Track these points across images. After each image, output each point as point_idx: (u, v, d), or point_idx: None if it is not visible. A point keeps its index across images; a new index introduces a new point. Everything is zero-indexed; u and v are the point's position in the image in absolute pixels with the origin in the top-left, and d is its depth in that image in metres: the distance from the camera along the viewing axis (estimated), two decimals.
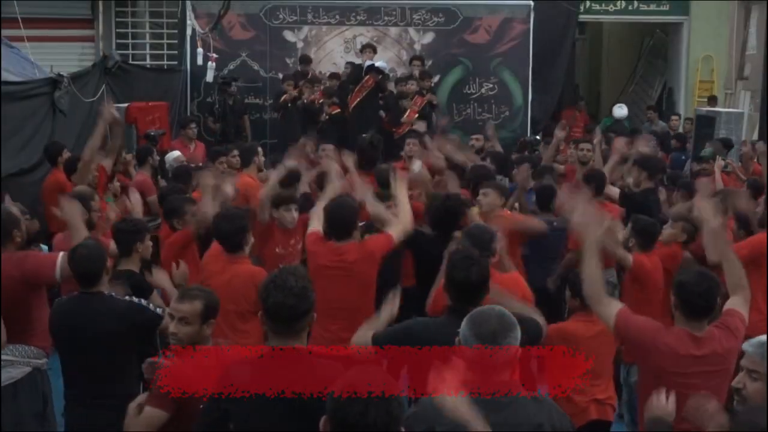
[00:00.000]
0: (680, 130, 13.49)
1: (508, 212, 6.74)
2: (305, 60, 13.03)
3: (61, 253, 4.92)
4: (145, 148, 9.25)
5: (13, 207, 5.60)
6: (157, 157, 9.19)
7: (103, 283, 4.48)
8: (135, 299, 4.50)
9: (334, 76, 12.96)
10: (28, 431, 4.94)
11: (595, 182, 7.31)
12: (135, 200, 6.90)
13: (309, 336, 3.70)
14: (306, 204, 6.61)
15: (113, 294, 4.49)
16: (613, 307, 4.08)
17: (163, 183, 9.00)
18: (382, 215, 5.78)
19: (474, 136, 10.57)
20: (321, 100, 12.23)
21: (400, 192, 5.87)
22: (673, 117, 14.06)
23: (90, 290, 4.44)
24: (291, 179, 7.19)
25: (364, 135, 10.22)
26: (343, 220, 5.39)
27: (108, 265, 4.57)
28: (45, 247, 7.23)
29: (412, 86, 12.10)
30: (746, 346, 3.12)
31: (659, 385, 3.72)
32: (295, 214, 6.46)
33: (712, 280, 4.02)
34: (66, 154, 8.45)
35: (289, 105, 12.20)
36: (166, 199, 6.76)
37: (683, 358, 3.90)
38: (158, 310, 4.45)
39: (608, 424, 5.20)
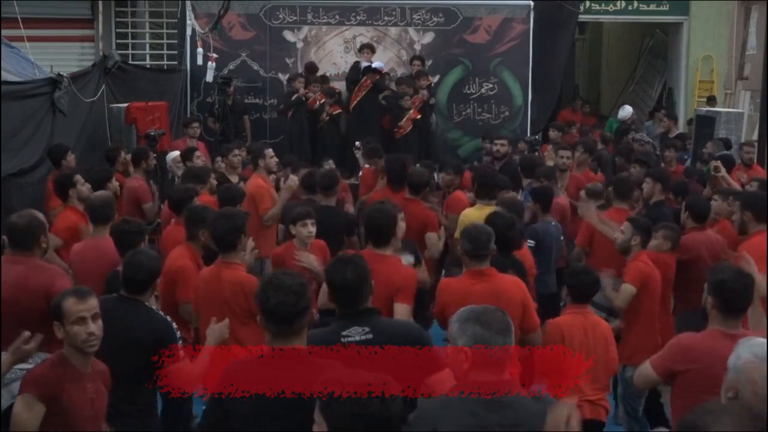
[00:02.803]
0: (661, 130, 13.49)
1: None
2: (311, 68, 13.01)
3: None
4: (142, 150, 8.99)
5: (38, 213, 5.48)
6: (153, 161, 8.93)
7: (147, 294, 4.52)
8: (168, 318, 4.54)
9: (325, 79, 12.97)
10: None
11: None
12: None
13: None
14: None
15: (153, 307, 4.55)
16: (645, 364, 4.24)
17: (154, 186, 8.88)
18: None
19: (499, 141, 10.13)
20: (322, 101, 12.25)
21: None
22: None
23: (131, 296, 4.48)
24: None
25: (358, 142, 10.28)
26: (382, 225, 5.22)
27: (156, 281, 4.60)
28: None
29: (409, 88, 12.13)
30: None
31: (701, 390, 3.82)
32: (312, 229, 6.30)
33: (749, 278, 4.11)
34: (70, 156, 8.43)
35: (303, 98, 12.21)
36: (193, 208, 6.24)
37: (719, 359, 3.85)
38: (178, 334, 4.49)
39: (601, 425, 5.20)
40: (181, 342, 4.49)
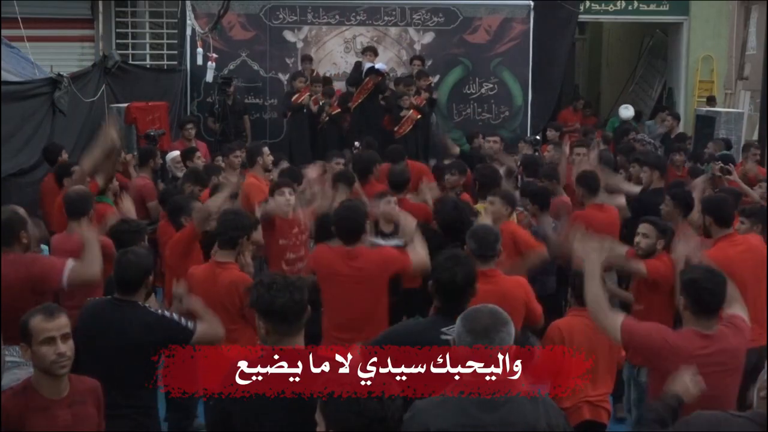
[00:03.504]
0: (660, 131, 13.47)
1: (514, 224, 6.60)
2: (308, 59, 13.06)
3: (70, 261, 4.89)
4: (149, 149, 9.09)
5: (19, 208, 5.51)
6: (160, 160, 9.05)
7: (140, 293, 4.45)
8: (167, 313, 4.49)
9: (328, 80, 12.95)
10: None
11: (588, 184, 7.29)
12: (128, 205, 6.85)
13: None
14: None
15: (147, 306, 4.48)
16: (617, 319, 4.11)
17: (162, 185, 8.94)
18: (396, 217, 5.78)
19: (491, 138, 10.15)
20: (322, 101, 12.25)
21: (414, 234, 5.63)
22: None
23: (125, 298, 4.41)
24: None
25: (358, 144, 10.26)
26: (352, 222, 5.31)
27: (150, 278, 4.53)
28: (45, 248, 7.24)
29: (410, 88, 12.13)
30: None
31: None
32: (290, 197, 6.38)
33: (721, 277, 4.04)
34: (64, 155, 8.44)
35: (304, 109, 12.18)
36: (171, 198, 6.71)
37: (693, 358, 3.89)
38: (189, 324, 4.38)
39: (602, 426, 5.13)
40: (191, 325, 4.38)
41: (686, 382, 3.45)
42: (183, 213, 6.24)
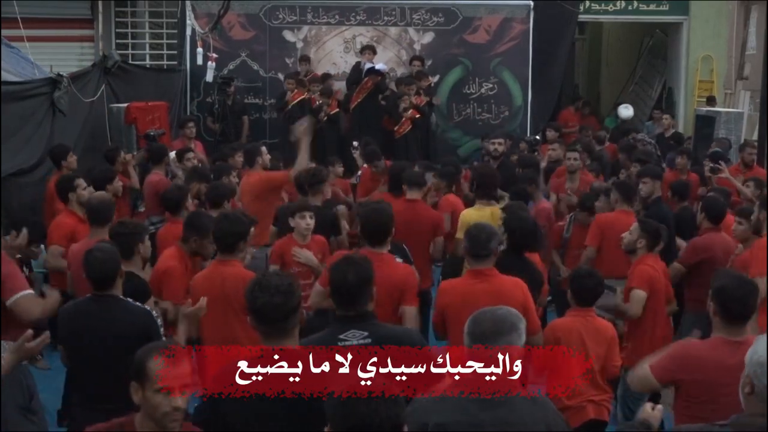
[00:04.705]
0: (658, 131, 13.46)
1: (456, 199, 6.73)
2: (305, 59, 13.07)
3: (25, 291, 4.92)
4: (161, 147, 9.16)
5: None
6: (174, 157, 9.10)
7: (117, 286, 4.45)
8: (148, 307, 4.50)
9: (327, 76, 12.94)
10: (13, 423, 4.91)
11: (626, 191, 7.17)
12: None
13: None
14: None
15: (129, 300, 4.48)
16: (645, 369, 4.14)
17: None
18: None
19: (496, 140, 9.90)
20: (320, 101, 12.24)
21: None
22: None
23: (103, 293, 4.41)
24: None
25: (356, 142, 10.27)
26: (380, 224, 5.15)
27: (122, 269, 4.52)
28: (44, 247, 7.24)
29: (411, 88, 12.12)
30: None
31: (707, 399, 3.81)
32: (310, 222, 6.27)
33: (751, 285, 4.03)
34: (71, 157, 8.42)
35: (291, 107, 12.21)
36: (194, 213, 6.18)
37: (724, 368, 3.88)
38: (159, 320, 4.42)
39: (604, 425, 5.18)
40: (162, 330, 4.45)
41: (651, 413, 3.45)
42: (196, 233, 5.64)
